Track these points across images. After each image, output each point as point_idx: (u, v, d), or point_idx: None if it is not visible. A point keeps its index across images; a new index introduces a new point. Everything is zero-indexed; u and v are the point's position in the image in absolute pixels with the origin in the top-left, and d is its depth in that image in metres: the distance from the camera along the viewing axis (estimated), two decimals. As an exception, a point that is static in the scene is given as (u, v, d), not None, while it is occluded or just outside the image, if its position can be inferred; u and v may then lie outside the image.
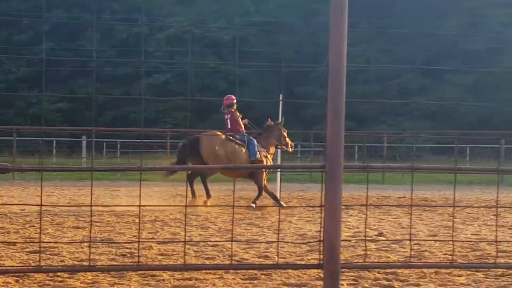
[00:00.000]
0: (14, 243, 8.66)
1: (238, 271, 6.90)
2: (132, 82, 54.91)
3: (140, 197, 5.74)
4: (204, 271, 6.88)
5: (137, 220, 11.83)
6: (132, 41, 57.91)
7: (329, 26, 5.16)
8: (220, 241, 8.98)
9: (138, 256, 5.74)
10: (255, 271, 6.90)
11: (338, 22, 5.08)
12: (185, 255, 6.15)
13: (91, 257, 7.81)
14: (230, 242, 8.96)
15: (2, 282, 6.24)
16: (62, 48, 55.23)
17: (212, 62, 56.05)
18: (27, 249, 8.26)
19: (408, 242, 8.91)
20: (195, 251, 8.38)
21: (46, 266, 6.77)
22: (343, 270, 6.72)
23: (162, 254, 8.10)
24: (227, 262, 7.63)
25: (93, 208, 13.37)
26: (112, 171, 24.79)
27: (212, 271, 6.89)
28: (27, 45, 54.83)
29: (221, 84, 57.37)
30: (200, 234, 10.15)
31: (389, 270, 6.97)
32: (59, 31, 56.62)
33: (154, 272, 6.75)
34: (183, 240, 9.26)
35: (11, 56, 54.59)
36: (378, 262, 7.67)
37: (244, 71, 57.78)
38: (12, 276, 6.40)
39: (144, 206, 5.98)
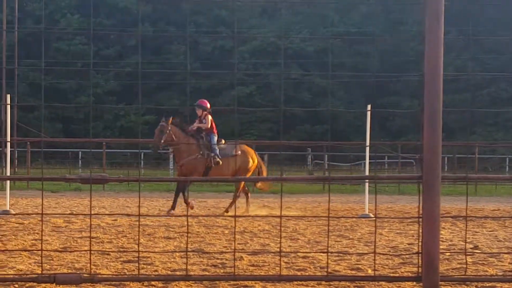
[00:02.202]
0: (108, 253, 8.83)
1: (331, 283, 6.86)
2: (217, 94, 55.45)
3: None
4: (296, 282, 6.86)
5: (226, 231, 11.91)
6: (217, 54, 58.51)
7: (425, 34, 5.10)
8: (313, 252, 8.95)
9: (234, 267, 5.76)
10: (347, 283, 6.85)
11: (434, 30, 5.02)
12: (280, 266, 6.15)
13: (184, 267, 7.91)
14: (320, 254, 8.94)
15: (99, 291, 6.37)
16: (148, 62, 56.25)
17: (308, 74, 55.95)
18: (121, 259, 8.41)
19: (506, 255, 8.70)
20: (285, 262, 8.37)
21: (142, 275, 6.87)
22: (440, 283, 6.61)
23: (253, 265, 8.12)
24: (319, 274, 7.60)
25: (182, 218, 13.52)
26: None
27: (304, 283, 6.87)
28: (115, 59, 56.04)
29: (305, 95, 57.40)
30: (289, 246, 10.14)
31: (487, 284, 6.82)
32: (145, 45, 57.70)
33: (246, 283, 6.77)
34: (274, 251, 9.28)
35: (99, 69, 55.84)
36: (477, 275, 7.50)
37: (327, 82, 57.66)
38: (109, 285, 6.52)
39: (238, 216, 6.00)
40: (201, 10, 61.12)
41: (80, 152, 39.57)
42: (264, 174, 17.28)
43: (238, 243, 10.28)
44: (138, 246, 5.69)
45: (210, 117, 16.38)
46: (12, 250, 8.81)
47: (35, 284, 6.44)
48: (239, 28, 59.35)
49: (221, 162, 16.04)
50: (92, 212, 14.93)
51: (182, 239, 10.67)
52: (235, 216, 5.50)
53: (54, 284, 5.89)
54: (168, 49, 58.45)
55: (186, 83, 56.36)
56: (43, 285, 6.34)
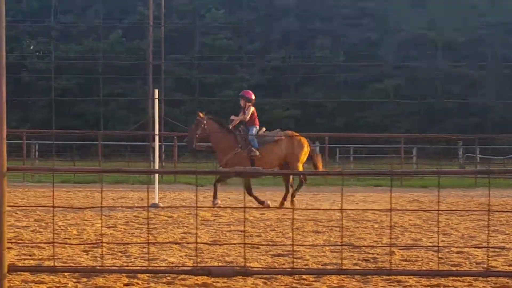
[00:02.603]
0: (257, 247, 8.90)
1: (488, 279, 6.63)
2: (362, 87, 55.02)
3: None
4: (451, 278, 6.68)
5: (376, 225, 11.78)
6: (362, 46, 58.00)
7: None
8: (467, 247, 8.70)
9: (386, 262, 5.65)
10: (506, 280, 6.59)
11: None
12: (438, 261, 5.99)
13: (334, 261, 7.86)
14: (476, 249, 8.69)
15: (252, 284, 6.41)
16: (292, 55, 56.51)
17: (458, 65, 54.63)
18: (271, 252, 8.46)
19: None
20: (439, 257, 8.16)
21: (296, 269, 6.87)
22: None
23: (405, 260, 7.98)
24: (475, 269, 7.38)
25: (331, 212, 13.48)
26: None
27: (460, 278, 6.67)
28: (259, 53, 56.63)
29: (455, 87, 56.01)
30: (442, 240, 9.90)
31: None
32: (290, 39, 57.98)
33: (400, 278, 6.65)
34: (427, 245, 9.09)
35: (244, 63, 56.61)
36: None
37: (479, 73, 56.06)
38: (260, 278, 6.56)
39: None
40: (346, 2, 60.77)
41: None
42: (319, 164, 16.52)
43: (389, 238, 10.13)
44: (293, 240, 5.67)
45: (252, 108, 16.03)
46: (163, 243, 9.03)
47: (186, 276, 6.58)
48: (387, 19, 58.63)
49: (257, 153, 15.56)
50: (240, 205, 15.12)
51: (331, 233, 10.64)
52: (390, 210, 5.38)
53: (205, 277, 5.98)
54: (313, 42, 58.48)
55: (331, 76, 56.25)
56: (194, 277, 6.46)
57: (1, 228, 4.92)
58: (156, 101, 17.98)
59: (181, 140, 32.92)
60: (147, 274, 6.68)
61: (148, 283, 6.45)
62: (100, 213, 13.12)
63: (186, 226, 11.46)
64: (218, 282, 6.36)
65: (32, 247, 8.65)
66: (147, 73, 38.40)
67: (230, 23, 56.20)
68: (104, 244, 8.55)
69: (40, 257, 8.00)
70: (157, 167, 17.61)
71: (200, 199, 18.16)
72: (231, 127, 16.10)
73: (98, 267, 7.05)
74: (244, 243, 6.02)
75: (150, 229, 10.76)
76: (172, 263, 7.67)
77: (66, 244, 8.76)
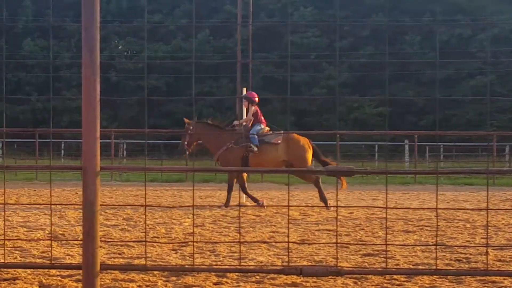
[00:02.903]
0: (347, 246, 8.84)
1: None
2: (454, 84, 54.07)
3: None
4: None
5: (468, 225, 11.55)
6: (454, 43, 56.98)
7: None
8: None
9: (483, 262, 5.52)
10: None
11: None
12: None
13: (425, 261, 7.74)
14: None
15: (342, 284, 6.36)
16: (381, 52, 55.93)
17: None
18: (360, 252, 8.38)
19: None
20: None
21: (389, 268, 6.78)
22: None
23: (499, 260, 7.79)
24: None
25: (421, 211, 13.29)
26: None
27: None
28: (348, 51, 56.27)
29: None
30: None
31: None
32: (379, 35, 57.44)
33: (494, 278, 6.49)
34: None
35: (330, 61, 56.36)
36: None
37: None
38: (350, 278, 6.50)
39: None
40: (437, -2, 59.80)
41: (313, 145, 40.03)
42: (329, 161, 16.06)
43: (482, 238, 9.92)
44: (386, 240, 5.59)
45: (254, 108, 16.12)
46: (252, 242, 9.04)
47: (275, 275, 6.56)
48: (478, 15, 57.46)
49: (255, 149, 15.47)
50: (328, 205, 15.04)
51: (421, 233, 10.48)
52: (487, 209, 5.24)
53: (294, 276, 5.96)
54: (403, 38, 57.76)
55: (422, 73, 55.48)
56: (284, 277, 6.44)
57: (94, 226, 5.00)
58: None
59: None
60: (236, 273, 6.69)
61: (237, 282, 6.46)
62: (187, 212, 13.28)
63: (274, 225, 11.47)
64: (308, 281, 6.33)
65: (121, 245, 8.78)
66: (235, 72, 38.63)
67: (318, 21, 56.02)
68: (192, 243, 8.62)
69: (129, 255, 8.12)
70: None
71: (287, 197, 18.14)
72: (236, 125, 16.32)
73: (187, 266, 7.11)
74: (337, 243, 5.95)
75: (238, 228, 10.81)
76: (261, 262, 7.67)
77: (155, 242, 8.86)
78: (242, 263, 7.41)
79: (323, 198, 15.02)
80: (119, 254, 8.21)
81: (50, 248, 8.24)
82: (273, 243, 8.95)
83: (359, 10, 58.06)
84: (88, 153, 4.97)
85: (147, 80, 54.49)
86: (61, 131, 39.37)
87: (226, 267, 7.15)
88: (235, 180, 15.60)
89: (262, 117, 16.28)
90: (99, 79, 4.94)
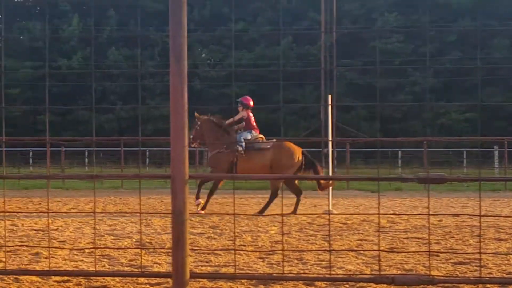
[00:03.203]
0: (437, 254, 8.69)
1: None
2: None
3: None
4: None
5: None
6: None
7: None
8: None
9: None
10: None
11: None
12: None
13: (520, 271, 7.55)
14: None
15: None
16: (469, 57, 54.97)
17: None
18: (451, 260, 8.23)
19: None
20: None
21: (484, 277, 6.63)
22: None
23: None
24: None
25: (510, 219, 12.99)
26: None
27: None
28: (434, 56, 55.49)
29: None
30: None
31: None
32: (466, 40, 56.49)
33: None
34: None
35: (416, 67, 55.65)
36: None
37: None
38: (442, 287, 6.38)
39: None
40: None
41: (399, 152, 39.73)
42: (320, 173, 16.35)
43: None
44: (480, 248, 5.47)
45: (245, 113, 16.27)
46: (340, 250, 8.98)
47: (365, 284, 6.50)
48: None
49: (243, 152, 15.72)
50: (415, 212, 14.85)
51: (518, 241, 10.26)
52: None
53: (384, 285, 5.88)
54: (491, 43, 56.63)
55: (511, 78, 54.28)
56: (374, 285, 6.36)
57: (184, 235, 5.05)
58: (329, 107, 17.98)
59: (352, 145, 32.88)
60: (325, 282, 6.65)
61: (326, 291, 6.43)
62: (273, 220, 13.29)
63: (361, 233, 11.37)
64: (398, 291, 6.25)
65: (208, 253, 8.84)
66: (319, 79, 38.54)
67: (403, 27, 55.43)
68: (280, 251, 8.61)
69: (216, 263, 8.16)
70: (330, 173, 17.59)
71: (374, 205, 17.99)
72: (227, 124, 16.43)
73: (276, 274, 7.10)
74: (429, 251, 5.86)
75: (325, 236, 10.75)
76: (350, 270, 7.61)
77: (243, 251, 8.88)
78: (331, 272, 7.36)
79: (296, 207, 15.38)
80: (206, 262, 8.26)
81: (137, 257, 8.37)
82: (361, 251, 8.87)
83: (444, 14, 57.21)
84: (177, 161, 5.02)
85: (230, 88, 54.95)
86: (148, 140, 39.94)
87: (316, 275, 7.11)
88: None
89: (255, 123, 16.49)
90: (186, 87, 4.99)
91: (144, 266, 7.84)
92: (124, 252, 9.02)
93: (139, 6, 56.60)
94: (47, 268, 7.63)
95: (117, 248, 9.35)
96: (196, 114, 16.86)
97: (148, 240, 10.37)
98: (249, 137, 16.21)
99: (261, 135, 16.49)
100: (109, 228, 12.08)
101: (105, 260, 8.41)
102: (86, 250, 9.06)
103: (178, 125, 4.99)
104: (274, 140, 16.46)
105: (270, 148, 15.89)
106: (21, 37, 58.39)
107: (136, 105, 56.47)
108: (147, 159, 41.73)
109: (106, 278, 6.82)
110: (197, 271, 7.40)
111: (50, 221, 13.24)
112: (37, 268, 7.87)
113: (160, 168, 36.42)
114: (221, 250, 9.02)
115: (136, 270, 7.62)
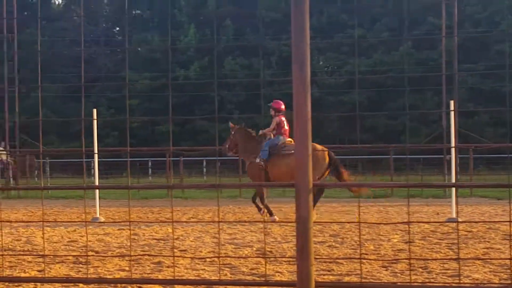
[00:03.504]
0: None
1: None
2: None
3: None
4: None
5: None
6: None
7: None
8: None
9: None
10: None
11: None
12: None
13: None
14: None
15: None
16: None
17: None
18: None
19: None
20: None
21: None
22: None
23: None
24: None
25: None
26: None
27: None
28: None
29: None
30: None
31: None
32: None
33: None
34: None
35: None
36: None
37: None
38: None
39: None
40: None
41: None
42: (345, 176, 16.09)
43: None
44: None
45: (278, 119, 16.33)
46: (467, 259, 8.80)
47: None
48: None
49: (262, 163, 15.95)
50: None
51: None
52: None
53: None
54: None
55: None
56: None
57: (308, 243, 5.05)
58: (452, 113, 17.65)
59: (475, 152, 32.12)
60: (452, 292, 6.53)
61: (453, 301, 6.31)
62: (395, 228, 13.12)
63: (488, 241, 11.11)
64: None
65: (330, 262, 8.81)
66: (439, 84, 37.89)
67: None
68: (404, 260, 8.50)
69: (339, 272, 8.13)
70: (453, 180, 17.25)
71: (499, 212, 17.52)
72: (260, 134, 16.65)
73: (401, 283, 7.02)
74: None
75: (449, 244, 10.55)
76: (477, 279, 7.44)
77: (367, 259, 8.82)
78: (456, 280, 7.22)
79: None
80: (328, 271, 8.25)
81: (258, 266, 8.43)
82: (489, 260, 8.66)
83: None
84: (301, 169, 5.03)
85: (348, 95, 54.74)
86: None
87: (442, 284, 6.98)
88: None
89: (286, 128, 16.42)
90: (309, 94, 4.99)
91: (266, 275, 7.89)
92: (245, 261, 9.09)
93: (256, 15, 57.21)
94: (170, 277, 7.80)
95: (239, 257, 9.43)
96: (230, 124, 17.26)
97: (268, 249, 10.43)
98: (276, 142, 16.33)
99: (289, 139, 16.37)
100: (229, 237, 12.21)
101: (227, 269, 8.50)
102: (208, 259, 9.18)
103: (301, 132, 5.00)
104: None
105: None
106: (139, 49, 59.87)
107: (254, 114, 56.97)
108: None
109: (228, 287, 6.89)
110: (320, 280, 7.39)
111: (170, 230, 13.51)
112: (160, 277, 8.03)
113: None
114: (345, 258, 8.99)
115: (258, 279, 7.68)
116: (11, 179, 31.45)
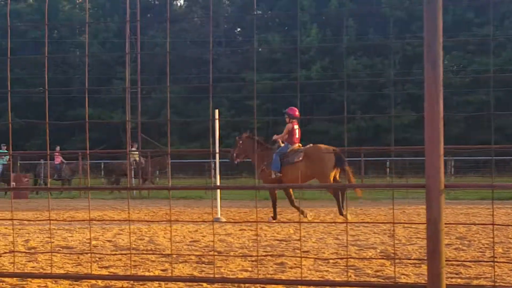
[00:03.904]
0: None
1: None
2: None
3: None
4: None
5: None
6: None
7: None
8: None
9: None
10: None
11: None
12: None
13: None
14: None
15: None
16: None
17: None
18: None
19: None
20: None
21: None
22: None
23: None
24: None
25: None
26: None
27: None
28: None
29: None
30: None
31: None
32: None
33: None
34: None
35: None
36: None
37: None
38: None
39: None
40: None
41: None
42: (351, 179, 16.48)
43: None
44: None
45: (291, 126, 16.76)
46: None
47: None
48: None
49: (273, 176, 16.50)
50: None
51: None
52: None
53: None
54: None
55: None
56: None
57: (439, 246, 5.01)
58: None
59: None
60: None
61: None
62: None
63: None
64: None
65: (457, 265, 8.70)
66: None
67: None
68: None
69: (467, 275, 8.02)
70: None
71: None
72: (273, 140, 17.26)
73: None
74: None
75: None
76: None
77: (501, 262, 8.67)
78: None
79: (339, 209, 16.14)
80: (456, 274, 8.14)
81: (383, 268, 8.40)
82: None
83: None
84: (432, 170, 4.99)
85: (473, 95, 53.61)
86: (402, 150, 39.66)
87: None
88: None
89: (297, 136, 16.98)
90: (442, 94, 4.96)
91: (391, 277, 7.85)
92: (369, 263, 9.06)
93: (377, 14, 56.79)
94: (294, 278, 7.86)
95: (364, 258, 9.41)
96: (244, 134, 17.85)
97: (392, 251, 10.36)
98: (285, 150, 16.77)
99: (298, 144, 17.06)
100: (352, 239, 12.19)
101: (351, 270, 8.50)
102: (331, 261, 9.21)
103: (433, 133, 4.96)
104: (310, 145, 17.00)
105: (302, 159, 16.48)
106: (260, 50, 60.38)
107: (377, 115, 56.50)
108: (387, 169, 41.69)
109: (353, 288, 6.88)
110: (448, 283, 7.31)
111: (292, 231, 13.60)
112: (283, 277, 8.10)
113: (401, 178, 36.20)
114: (475, 261, 8.86)
115: (383, 281, 7.66)
116: (141, 180, 32.34)
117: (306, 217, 16.18)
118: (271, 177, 16.74)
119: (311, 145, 17.06)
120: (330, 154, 16.36)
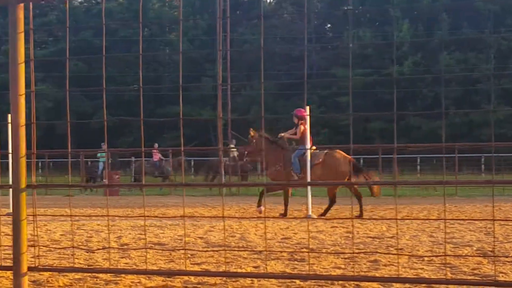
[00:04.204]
0: None
1: None
2: None
3: None
4: None
5: None
6: None
7: None
8: None
9: None
10: None
11: None
12: None
13: None
14: None
15: None
16: None
17: None
18: None
19: None
20: None
21: None
22: None
23: None
24: None
25: None
26: None
27: None
28: None
29: None
30: None
31: None
32: None
33: None
34: None
35: None
36: None
37: None
38: None
39: None
40: None
41: None
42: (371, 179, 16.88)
43: None
44: None
45: (302, 127, 16.86)
46: None
47: None
48: None
49: (295, 177, 16.64)
50: None
51: None
52: None
53: None
54: None
55: None
56: None
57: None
58: None
59: None
60: None
61: None
62: None
63: None
64: None
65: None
66: None
67: None
68: None
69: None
70: None
71: None
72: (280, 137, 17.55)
73: None
74: None
75: None
76: None
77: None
78: None
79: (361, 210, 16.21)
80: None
81: (480, 266, 8.23)
82: None
83: None
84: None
85: None
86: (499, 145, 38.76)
87: None
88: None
89: (309, 135, 16.94)
90: None
91: (489, 276, 7.68)
92: (465, 261, 8.88)
93: (471, 8, 55.82)
94: (387, 275, 7.77)
95: (460, 256, 9.25)
96: (251, 131, 18.09)
97: (490, 249, 10.14)
98: (303, 153, 16.91)
99: (313, 147, 17.35)
100: (448, 236, 11.96)
101: (447, 268, 8.33)
102: (426, 258, 9.06)
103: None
104: (326, 151, 17.28)
105: (320, 163, 16.70)
106: (350, 45, 59.99)
107: (471, 110, 55.45)
108: (483, 166, 40.96)
109: (450, 286, 6.73)
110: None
111: (385, 228, 13.47)
112: (377, 275, 8.00)
113: (497, 174, 35.47)
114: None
115: (480, 279, 7.49)
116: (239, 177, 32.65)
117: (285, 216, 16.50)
118: (288, 177, 16.86)
119: (328, 151, 17.46)
120: (346, 163, 16.60)
